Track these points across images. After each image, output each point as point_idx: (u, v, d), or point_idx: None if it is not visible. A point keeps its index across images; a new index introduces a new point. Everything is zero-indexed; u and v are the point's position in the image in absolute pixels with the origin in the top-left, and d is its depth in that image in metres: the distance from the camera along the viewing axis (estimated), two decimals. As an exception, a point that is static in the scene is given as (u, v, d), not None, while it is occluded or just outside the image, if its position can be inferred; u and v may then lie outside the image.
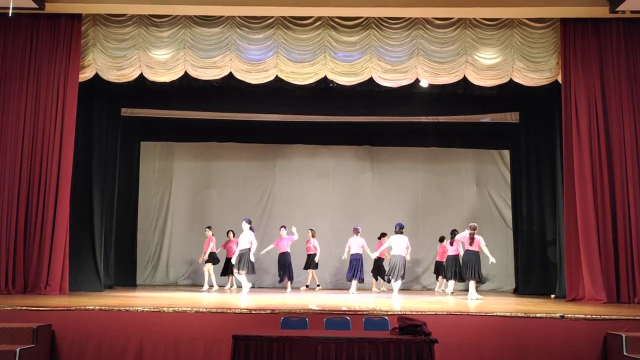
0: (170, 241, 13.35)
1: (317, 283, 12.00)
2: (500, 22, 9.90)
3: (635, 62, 9.64)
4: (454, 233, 11.12)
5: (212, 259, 11.53)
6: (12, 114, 9.55)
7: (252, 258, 9.93)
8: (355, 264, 11.30)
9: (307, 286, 12.06)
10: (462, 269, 10.43)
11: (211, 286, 11.32)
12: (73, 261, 9.77)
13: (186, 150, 13.62)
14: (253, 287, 11.03)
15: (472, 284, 10.01)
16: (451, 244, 11.19)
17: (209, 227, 11.71)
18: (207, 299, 9.34)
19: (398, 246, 10.17)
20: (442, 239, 12.08)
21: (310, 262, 11.84)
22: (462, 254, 10.73)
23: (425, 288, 12.91)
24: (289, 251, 11.40)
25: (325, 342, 4.99)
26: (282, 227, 11.60)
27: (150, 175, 13.41)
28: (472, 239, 9.97)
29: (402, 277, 10.23)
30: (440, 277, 12.05)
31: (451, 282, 11.22)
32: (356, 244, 11.38)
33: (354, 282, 11.06)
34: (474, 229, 10.05)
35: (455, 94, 10.75)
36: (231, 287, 11.78)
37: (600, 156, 9.46)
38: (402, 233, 10.34)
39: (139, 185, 13.00)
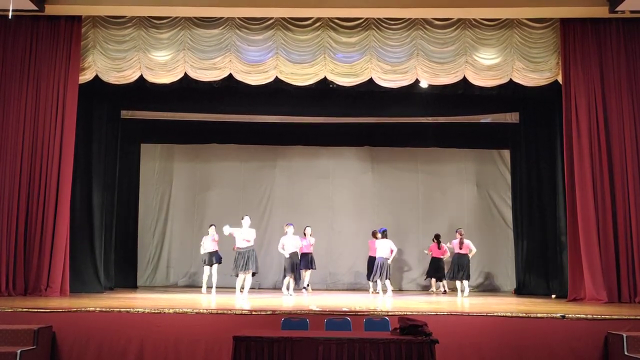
0: (170, 242, 13.32)
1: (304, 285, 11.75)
2: (499, 23, 9.91)
3: (635, 61, 9.65)
4: (438, 237, 11.84)
5: (218, 258, 10.89)
6: (12, 116, 9.56)
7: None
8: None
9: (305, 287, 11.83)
10: (453, 270, 10.85)
11: (210, 287, 10.81)
12: (73, 263, 9.77)
13: (186, 151, 13.61)
14: (254, 288, 10.95)
15: (466, 283, 10.62)
16: (439, 247, 11.74)
17: (212, 225, 11.18)
18: (207, 300, 9.33)
19: (382, 249, 10.58)
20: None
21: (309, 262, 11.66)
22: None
23: (425, 289, 12.88)
24: (296, 251, 11.10)
25: (326, 342, 4.99)
26: (289, 224, 11.05)
27: (150, 176, 13.39)
28: (461, 243, 10.84)
29: (387, 278, 10.52)
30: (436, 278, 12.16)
31: (433, 281, 11.95)
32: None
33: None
34: (462, 233, 10.93)
35: (455, 95, 10.75)
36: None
37: (600, 156, 9.47)
38: (386, 237, 10.75)
39: (139, 186, 12.99)
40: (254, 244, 10.00)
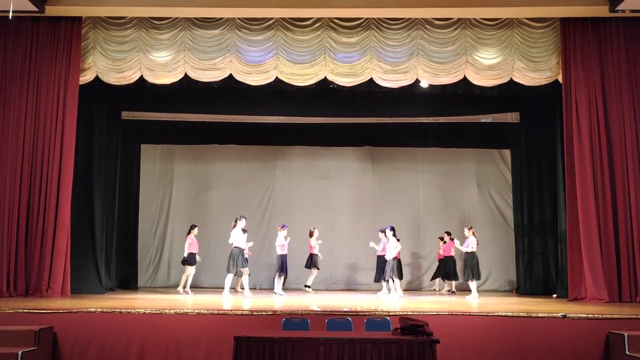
0: (171, 243, 13.32)
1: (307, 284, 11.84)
2: (500, 22, 9.90)
3: (636, 60, 9.64)
4: (449, 234, 11.79)
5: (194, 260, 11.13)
6: (12, 117, 9.56)
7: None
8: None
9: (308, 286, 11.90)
10: (467, 269, 10.46)
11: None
12: (74, 264, 9.76)
13: (186, 152, 13.61)
14: (254, 288, 10.91)
15: (474, 284, 10.27)
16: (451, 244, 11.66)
17: (196, 226, 11.38)
18: (208, 300, 9.33)
19: (389, 249, 10.52)
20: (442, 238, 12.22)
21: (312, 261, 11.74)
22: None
23: (426, 288, 12.88)
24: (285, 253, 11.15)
25: (327, 343, 4.99)
26: (283, 226, 11.24)
27: (151, 177, 13.40)
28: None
29: (400, 277, 10.51)
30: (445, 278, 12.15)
31: (442, 282, 12.03)
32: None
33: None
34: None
35: (455, 94, 10.76)
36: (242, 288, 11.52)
37: (601, 155, 9.46)
38: (394, 235, 10.67)
39: (139, 187, 13.01)
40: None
